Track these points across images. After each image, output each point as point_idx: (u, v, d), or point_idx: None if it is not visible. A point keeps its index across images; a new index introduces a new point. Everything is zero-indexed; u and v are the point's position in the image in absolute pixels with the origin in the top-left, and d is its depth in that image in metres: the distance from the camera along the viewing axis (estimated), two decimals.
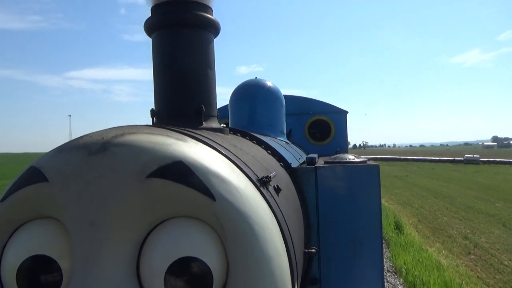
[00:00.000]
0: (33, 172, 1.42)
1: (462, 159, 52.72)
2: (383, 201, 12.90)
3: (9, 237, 1.44)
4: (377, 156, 67.07)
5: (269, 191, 1.69)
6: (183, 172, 1.33)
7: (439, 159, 58.71)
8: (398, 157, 68.01)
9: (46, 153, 1.54)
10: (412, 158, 63.30)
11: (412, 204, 17.87)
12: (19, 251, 1.38)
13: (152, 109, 2.22)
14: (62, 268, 1.34)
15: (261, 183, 1.63)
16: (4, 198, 1.44)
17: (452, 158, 57.33)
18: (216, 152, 1.54)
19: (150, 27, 2.20)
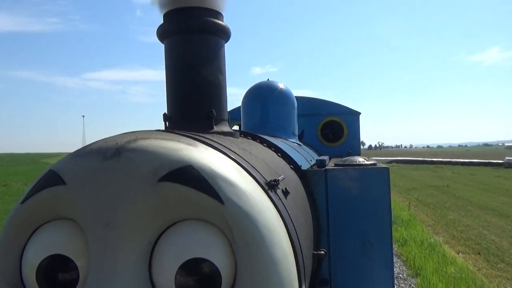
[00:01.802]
0: (52, 176, 1.49)
1: (503, 161, 43.47)
2: (440, 240, 10.72)
3: (29, 237, 1.51)
4: (399, 158, 60.51)
5: (277, 194, 1.72)
6: (192, 176, 1.38)
7: (470, 162, 48.30)
8: (424, 159, 57.38)
9: (63, 157, 1.61)
10: (440, 161, 53.21)
11: (490, 249, 9.93)
12: (38, 250, 1.45)
13: (165, 113, 2.29)
14: (78, 267, 1.40)
15: (269, 187, 1.67)
16: (25, 200, 1.52)
17: (489, 161, 47.35)
18: (225, 157, 1.58)
19: (163, 34, 2.26)
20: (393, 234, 3.04)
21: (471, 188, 22.87)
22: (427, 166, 45.76)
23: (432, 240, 10.50)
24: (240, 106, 4.84)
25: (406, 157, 67.38)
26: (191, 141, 1.59)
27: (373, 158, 3.68)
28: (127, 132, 1.65)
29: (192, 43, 2.20)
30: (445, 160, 53.10)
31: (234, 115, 5.35)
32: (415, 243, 10.12)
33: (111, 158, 1.43)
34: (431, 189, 22.70)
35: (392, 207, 2.91)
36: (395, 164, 52.22)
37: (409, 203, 16.97)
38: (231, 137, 2.22)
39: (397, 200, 17.83)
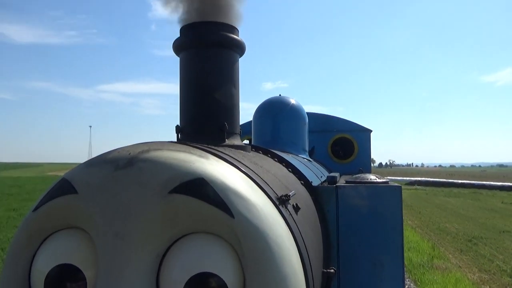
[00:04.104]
0: (64, 184, 1.50)
1: None
2: None
3: (39, 245, 1.51)
4: (422, 179, 45.85)
5: (288, 210, 1.71)
6: (203, 189, 1.38)
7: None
8: (462, 181, 41.21)
9: (76, 166, 1.63)
10: (482, 184, 37.91)
11: None
12: (48, 259, 1.44)
13: (177, 125, 2.30)
14: (86, 277, 1.39)
15: (280, 202, 1.65)
16: (37, 208, 1.53)
17: None
18: (237, 170, 1.58)
19: (179, 47, 2.30)
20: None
21: None
22: (459, 191, 33.72)
23: None
24: (250, 121, 4.85)
25: (421, 177, 54.43)
26: (203, 153, 1.59)
27: (389, 177, 3.47)
28: (140, 143, 1.66)
29: (208, 56, 2.23)
30: (488, 184, 37.98)
31: (245, 129, 5.36)
32: None
33: (123, 168, 1.44)
34: (508, 239, 12.67)
35: None
36: (418, 187, 39.98)
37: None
38: (242, 151, 2.22)
39: (468, 278, 8.45)
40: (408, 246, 11.19)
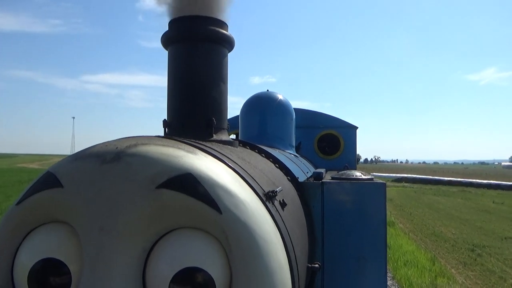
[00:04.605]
0: (49, 178, 1.48)
1: None
2: None
3: (22, 239, 1.49)
4: (409, 176, 45.39)
5: (275, 206, 1.72)
6: (191, 184, 1.38)
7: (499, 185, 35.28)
8: (450, 179, 41.31)
9: (62, 159, 1.60)
10: (469, 182, 38.05)
11: None
12: (31, 253, 1.43)
13: (165, 119, 2.29)
14: (71, 271, 1.38)
15: (267, 198, 1.66)
16: (20, 201, 1.50)
17: None
18: (225, 166, 1.58)
19: (167, 40, 2.27)
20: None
21: None
22: (448, 189, 33.50)
23: None
24: (238, 115, 4.85)
25: (407, 173, 53.34)
26: (191, 148, 1.58)
27: (375, 174, 3.52)
28: (127, 137, 1.64)
29: (196, 51, 2.21)
30: (476, 182, 38.28)
31: (232, 124, 5.34)
32: None
33: (110, 162, 1.42)
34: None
35: None
36: (406, 184, 39.39)
37: None
38: (230, 146, 2.22)
39: None
40: (404, 259, 9.85)
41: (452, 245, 12.19)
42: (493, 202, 24.10)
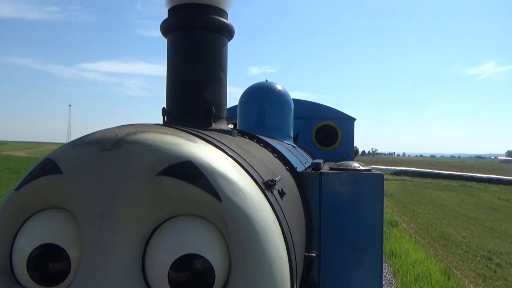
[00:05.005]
0: (48, 164, 1.48)
1: None
2: None
3: (21, 225, 1.49)
4: (408, 169, 44.54)
5: (274, 195, 1.73)
6: (191, 172, 1.38)
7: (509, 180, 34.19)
8: (450, 173, 40.39)
9: (61, 146, 1.60)
10: (470, 176, 37.22)
11: None
12: (30, 239, 1.43)
13: (164, 108, 2.28)
14: (70, 257, 1.39)
15: (266, 186, 1.67)
16: (19, 187, 1.50)
17: None
18: (224, 154, 1.58)
19: (166, 28, 2.25)
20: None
21: None
22: (449, 183, 32.38)
23: None
24: (236, 105, 4.84)
25: (405, 166, 52.33)
26: (191, 136, 1.58)
27: (372, 166, 3.51)
28: (126, 124, 1.64)
29: (196, 39, 2.20)
30: (476, 176, 37.60)
31: (230, 114, 5.33)
32: None
33: (109, 149, 1.42)
34: None
35: None
36: (406, 177, 38.75)
37: None
38: (229, 135, 2.22)
39: None
40: (414, 273, 8.17)
41: (465, 251, 10.85)
42: (498, 199, 23.49)
